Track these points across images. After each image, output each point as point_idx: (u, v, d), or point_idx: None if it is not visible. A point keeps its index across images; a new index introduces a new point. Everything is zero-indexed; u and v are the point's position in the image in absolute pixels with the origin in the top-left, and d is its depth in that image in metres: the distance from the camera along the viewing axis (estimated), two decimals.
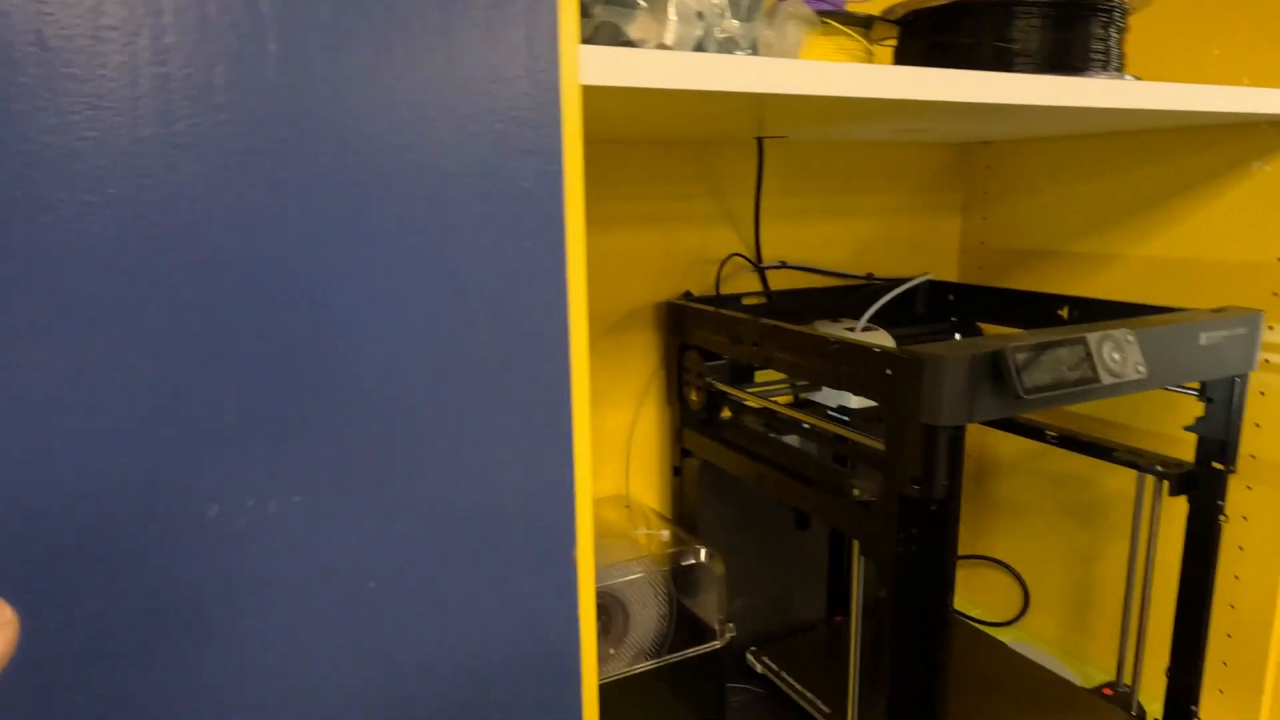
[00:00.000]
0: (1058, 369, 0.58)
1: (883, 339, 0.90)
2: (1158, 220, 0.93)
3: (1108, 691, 0.88)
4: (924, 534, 0.60)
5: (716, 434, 0.87)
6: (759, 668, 0.93)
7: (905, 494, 0.59)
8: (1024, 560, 1.11)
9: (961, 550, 1.17)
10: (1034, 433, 0.93)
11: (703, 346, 0.86)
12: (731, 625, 0.87)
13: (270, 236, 0.35)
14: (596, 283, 0.92)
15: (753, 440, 0.82)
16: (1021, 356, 0.56)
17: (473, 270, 0.40)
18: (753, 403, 0.84)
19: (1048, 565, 1.07)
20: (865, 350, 0.62)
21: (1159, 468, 0.80)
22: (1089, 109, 0.58)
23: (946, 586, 0.60)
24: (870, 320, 0.97)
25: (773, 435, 0.86)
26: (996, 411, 0.58)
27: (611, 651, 0.87)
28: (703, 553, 0.85)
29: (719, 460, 0.85)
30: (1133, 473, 0.91)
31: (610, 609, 0.85)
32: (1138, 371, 0.62)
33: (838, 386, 0.66)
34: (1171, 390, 0.83)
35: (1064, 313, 0.91)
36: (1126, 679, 0.88)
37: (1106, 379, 0.60)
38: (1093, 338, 0.60)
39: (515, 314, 0.41)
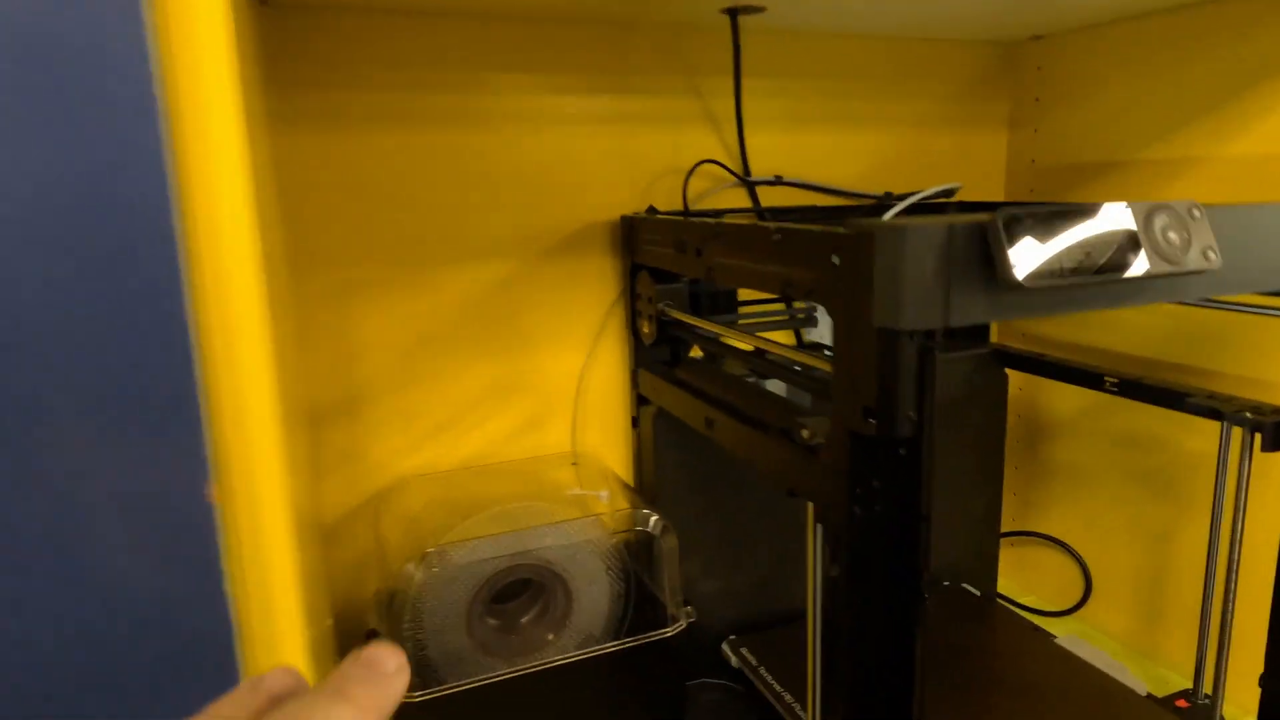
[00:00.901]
0: (1080, 249, 0.40)
1: None
2: (1247, 110, 0.72)
3: (1182, 704, 0.69)
4: (887, 488, 0.43)
5: (671, 374, 0.70)
6: (735, 660, 0.76)
7: (858, 431, 0.43)
8: (1085, 538, 0.91)
9: (1011, 525, 0.98)
10: (1090, 380, 0.74)
11: (654, 265, 0.70)
12: (690, 609, 0.71)
13: None
14: (542, 195, 0.77)
15: (705, 378, 0.65)
16: (1019, 226, 0.39)
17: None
18: (704, 328, 0.67)
19: (1114, 544, 0.88)
20: (808, 235, 0.45)
21: (1248, 415, 0.61)
22: None
23: (917, 562, 0.43)
24: None
25: (752, 380, 0.69)
26: (985, 311, 0.40)
27: (550, 638, 0.72)
28: (651, 520, 0.69)
29: (672, 405, 0.69)
30: (1216, 428, 0.71)
31: (546, 584, 0.70)
32: (1206, 258, 0.43)
33: (785, 292, 0.49)
34: (1261, 311, 0.63)
35: None
36: (1207, 687, 0.69)
37: (1157, 265, 0.41)
38: (1139, 206, 0.42)
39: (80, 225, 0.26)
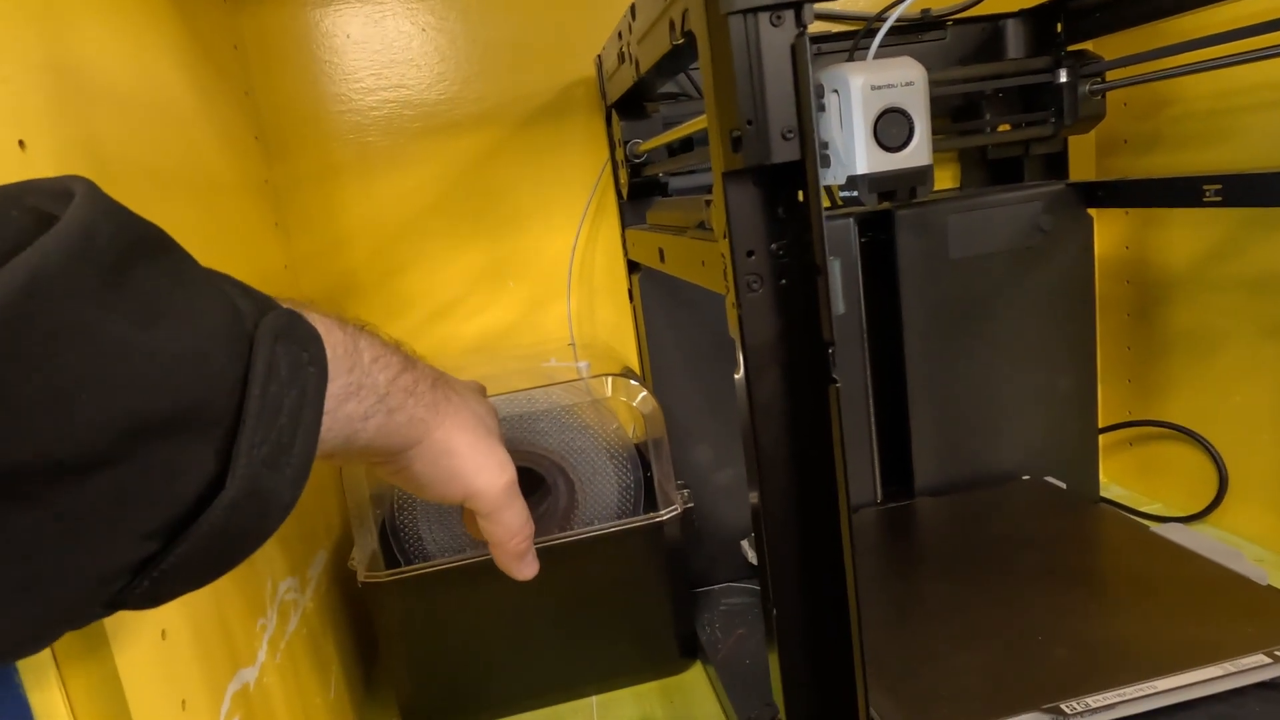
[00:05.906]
0: None
1: (904, 68, 0.59)
2: None
3: None
4: (771, 239, 0.33)
5: (644, 221, 0.62)
6: (753, 557, 0.67)
7: (729, 170, 0.33)
8: (1216, 421, 0.74)
9: (1123, 416, 0.82)
10: (1186, 194, 0.59)
11: (619, 98, 0.61)
12: (686, 492, 0.63)
13: None
14: (500, 44, 0.70)
15: (665, 211, 0.56)
16: None
17: None
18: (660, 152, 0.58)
19: (1251, 424, 0.71)
20: None
21: None
22: None
23: (816, 327, 0.33)
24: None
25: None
26: None
27: (556, 533, 0.65)
28: (636, 389, 0.61)
29: (644, 255, 0.61)
30: None
31: (548, 476, 0.63)
32: None
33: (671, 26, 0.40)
34: None
35: None
36: None
37: None
38: None
39: None
